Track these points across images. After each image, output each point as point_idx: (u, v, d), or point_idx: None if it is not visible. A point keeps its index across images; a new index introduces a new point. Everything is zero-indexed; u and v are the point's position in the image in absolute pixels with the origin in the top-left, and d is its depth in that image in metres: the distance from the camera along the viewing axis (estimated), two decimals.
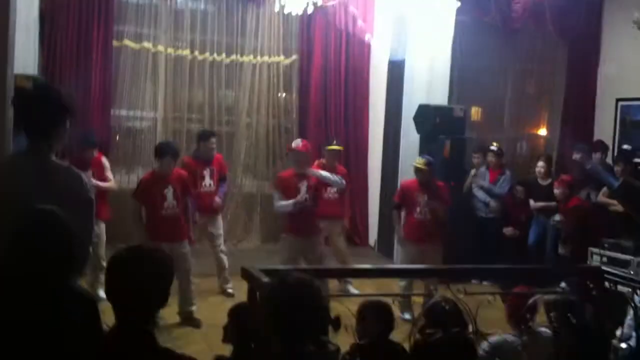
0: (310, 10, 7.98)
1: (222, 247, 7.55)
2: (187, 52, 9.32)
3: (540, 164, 8.72)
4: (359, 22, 9.76)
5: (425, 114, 8.54)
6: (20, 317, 2.37)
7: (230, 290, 7.27)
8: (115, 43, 8.93)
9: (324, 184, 7.33)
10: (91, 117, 8.55)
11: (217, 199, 7.48)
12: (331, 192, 7.59)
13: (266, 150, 9.76)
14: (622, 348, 4.41)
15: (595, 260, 7.15)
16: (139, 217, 6.45)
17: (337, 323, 3.15)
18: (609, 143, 9.68)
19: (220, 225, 7.61)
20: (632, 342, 4.55)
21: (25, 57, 7.26)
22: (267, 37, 9.61)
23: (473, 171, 8.76)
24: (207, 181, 7.37)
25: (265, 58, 9.63)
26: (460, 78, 9.71)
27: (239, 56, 9.55)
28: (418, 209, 6.90)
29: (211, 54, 9.42)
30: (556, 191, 7.83)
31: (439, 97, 8.81)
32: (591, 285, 4.48)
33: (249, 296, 3.50)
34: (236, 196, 9.55)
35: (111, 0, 8.76)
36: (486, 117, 10.77)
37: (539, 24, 9.95)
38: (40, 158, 3.13)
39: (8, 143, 4.85)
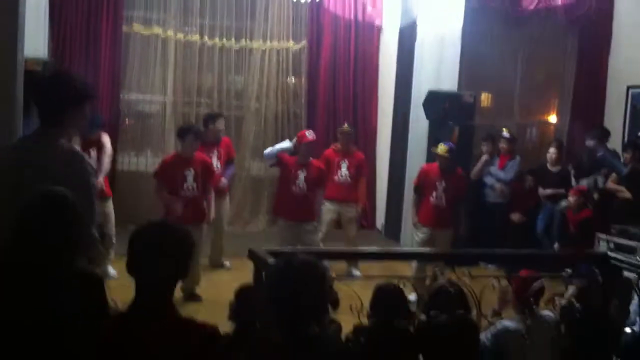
0: None
1: (225, 228, 7.65)
2: (196, 37, 9.34)
3: (552, 149, 8.69)
4: (368, 8, 9.76)
5: (434, 100, 8.52)
6: (28, 297, 2.40)
7: (227, 264, 7.49)
8: (124, 28, 8.98)
9: (333, 167, 7.49)
10: (100, 100, 8.61)
11: (224, 180, 7.53)
12: (342, 176, 7.63)
13: (274, 134, 9.78)
14: (626, 333, 4.43)
15: (602, 247, 7.15)
16: (162, 194, 6.54)
17: (336, 303, 3.18)
18: (619, 130, 9.62)
19: (225, 207, 7.69)
20: (637, 328, 4.58)
21: (35, 42, 7.31)
22: (277, 22, 9.62)
23: (484, 157, 8.73)
24: (215, 163, 7.41)
25: (275, 43, 9.64)
26: (470, 64, 9.67)
27: (248, 41, 9.57)
28: (435, 194, 6.96)
29: (220, 39, 9.44)
30: (570, 199, 7.83)
31: (448, 83, 8.79)
32: (597, 271, 4.50)
33: (255, 277, 3.55)
34: (244, 180, 9.59)
35: None
36: (495, 104, 10.74)
37: (549, 10, 9.88)
38: (45, 141, 3.14)
39: (18, 126, 4.90)
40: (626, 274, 4.64)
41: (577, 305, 4.01)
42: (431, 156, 7.95)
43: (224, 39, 9.47)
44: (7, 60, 4.72)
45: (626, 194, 7.79)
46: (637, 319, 4.68)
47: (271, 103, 9.74)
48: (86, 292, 2.53)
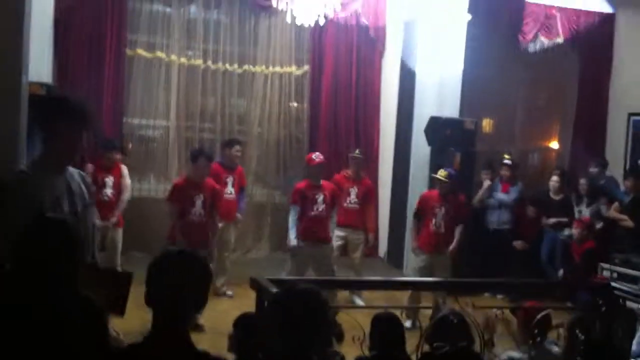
0: (322, 21, 8.01)
1: (230, 255, 7.68)
2: (199, 61, 9.37)
3: (555, 178, 8.69)
4: (371, 34, 9.81)
5: (436, 126, 8.54)
6: (26, 324, 2.38)
7: (229, 292, 7.47)
8: (128, 52, 9.01)
9: (342, 193, 7.56)
10: (103, 125, 8.62)
11: (239, 215, 7.78)
12: (351, 202, 7.67)
13: (277, 160, 9.80)
14: None
15: (604, 276, 7.11)
16: (175, 219, 6.56)
17: (340, 335, 3.15)
18: (620, 157, 9.64)
19: (232, 234, 7.78)
20: None
21: (39, 66, 7.32)
22: (279, 47, 9.66)
23: (486, 182, 8.73)
24: (229, 189, 7.56)
25: (277, 68, 9.68)
26: (472, 90, 9.70)
27: (251, 66, 9.60)
28: (434, 220, 6.99)
29: (223, 63, 9.47)
30: (574, 231, 7.84)
31: (450, 109, 8.82)
32: (600, 302, 4.46)
33: (257, 305, 3.52)
34: (246, 205, 9.56)
35: (124, 9, 8.86)
36: (497, 130, 10.77)
37: (550, 37, 9.94)
38: (59, 164, 3.21)
39: (22, 149, 4.89)
40: (629, 304, 4.61)
41: (581, 336, 3.96)
42: (433, 182, 7.96)
43: (227, 64, 9.50)
44: (12, 84, 4.73)
45: (629, 222, 7.76)
46: None
47: (273, 128, 9.75)
48: (87, 320, 2.50)
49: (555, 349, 4.17)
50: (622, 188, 8.39)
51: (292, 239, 6.91)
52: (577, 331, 4.14)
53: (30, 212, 2.84)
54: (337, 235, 7.50)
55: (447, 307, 3.90)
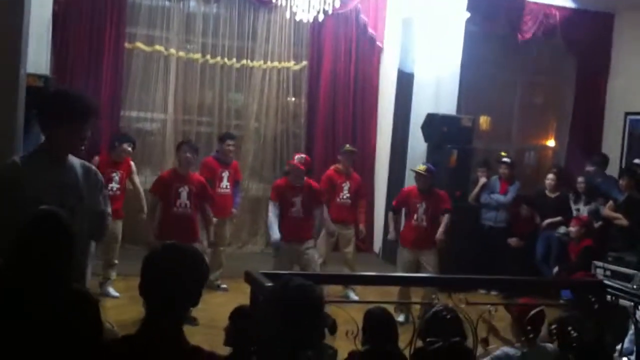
0: (321, 17, 8.02)
1: (225, 250, 7.73)
2: (198, 55, 9.38)
3: (551, 176, 8.73)
4: (369, 31, 9.83)
5: (433, 123, 8.57)
6: (21, 317, 2.38)
7: (224, 286, 7.51)
8: (127, 45, 9.01)
9: (336, 188, 7.56)
10: (101, 117, 8.61)
11: (234, 211, 7.81)
12: (343, 197, 7.68)
13: (273, 154, 9.81)
14: None
15: (598, 274, 7.15)
16: (153, 213, 6.59)
17: (333, 328, 3.18)
18: (617, 157, 9.68)
19: (228, 228, 7.82)
20: (633, 357, 4.56)
21: (38, 58, 7.34)
22: (278, 42, 9.67)
23: (482, 180, 8.75)
24: (225, 183, 7.58)
25: (275, 63, 9.69)
26: (469, 88, 9.73)
27: (249, 61, 9.61)
28: (416, 216, 7.03)
29: (222, 58, 9.48)
30: (572, 229, 7.88)
31: (447, 106, 8.84)
32: (593, 299, 4.49)
33: (251, 299, 3.53)
34: (242, 200, 9.56)
35: (123, 2, 8.86)
36: (494, 128, 10.80)
37: (548, 36, 9.97)
38: (55, 157, 3.22)
39: (19, 141, 4.91)
40: (622, 302, 4.63)
41: (574, 334, 3.98)
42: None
43: (226, 58, 9.50)
44: (10, 75, 4.76)
45: (623, 221, 7.80)
46: (634, 348, 4.67)
47: (271, 123, 9.76)
48: (81, 312, 2.51)
49: (549, 346, 4.20)
50: None
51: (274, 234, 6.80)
52: (569, 329, 4.17)
53: (20, 204, 2.87)
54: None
55: (441, 303, 3.92)
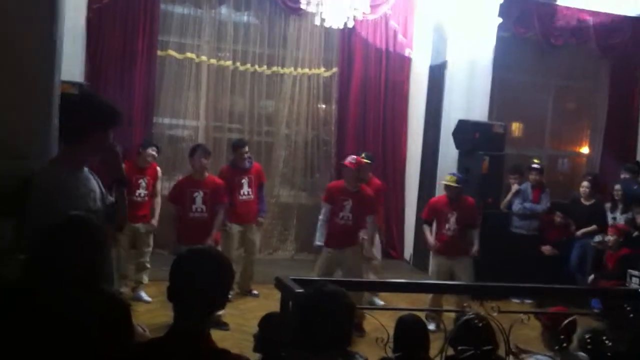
0: (350, 24, 8.01)
1: (256, 256, 7.68)
2: (229, 62, 9.44)
3: (585, 183, 8.62)
4: (399, 37, 9.81)
5: (464, 130, 8.51)
6: (51, 321, 2.40)
7: (255, 292, 7.48)
8: (159, 53, 9.11)
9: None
10: (134, 124, 8.75)
11: (260, 220, 7.68)
12: None
13: (304, 161, 9.82)
14: None
15: (634, 283, 7.03)
16: (175, 219, 6.63)
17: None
18: None
19: (257, 235, 7.75)
20: None
21: (72, 66, 7.45)
22: (308, 49, 9.69)
23: (515, 186, 8.67)
24: (245, 189, 7.46)
25: (306, 70, 9.71)
26: (501, 94, 9.66)
27: (279, 67, 9.65)
28: (447, 226, 7.00)
29: (252, 64, 9.53)
30: (610, 238, 7.76)
31: (479, 112, 8.78)
32: (628, 308, 4.41)
33: (282, 305, 3.53)
34: (272, 206, 9.60)
35: (156, 11, 8.97)
36: (526, 134, 10.70)
37: (581, 41, 9.85)
38: (79, 165, 3.20)
39: (54, 147, 4.97)
40: None
41: (608, 343, 3.91)
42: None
43: (256, 65, 9.56)
44: (45, 83, 4.81)
45: None
46: None
47: (301, 129, 9.78)
48: (111, 315, 2.53)
49: (582, 355, 4.13)
50: None
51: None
52: (604, 338, 4.10)
53: (55, 208, 2.88)
54: None
55: (472, 311, 3.87)
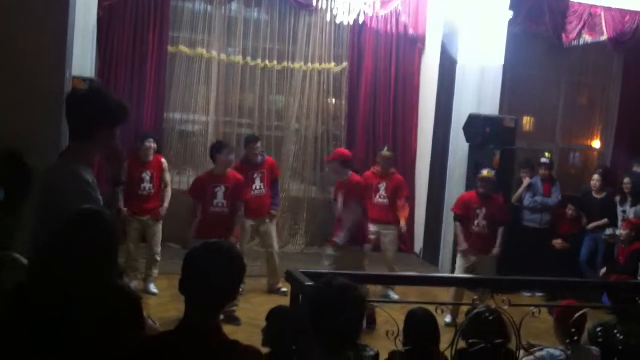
0: (361, 19, 8.00)
1: (276, 248, 7.64)
2: (239, 58, 9.46)
3: (596, 177, 8.61)
4: (410, 31, 9.78)
5: (475, 124, 8.48)
6: (63, 315, 2.42)
7: (284, 290, 7.26)
8: (170, 49, 9.14)
9: (372, 189, 7.48)
10: (145, 119, 8.80)
11: (273, 212, 7.66)
12: (381, 197, 7.65)
13: (314, 155, 9.83)
14: None
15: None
16: (193, 214, 6.65)
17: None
18: None
19: (274, 228, 7.73)
20: None
21: (83, 61, 7.50)
22: (318, 44, 9.69)
23: (526, 181, 8.65)
24: (258, 184, 7.50)
25: (316, 65, 9.71)
26: (512, 88, 9.62)
27: (290, 63, 9.65)
28: (476, 222, 7.01)
29: (263, 60, 9.55)
30: (622, 232, 7.72)
31: (490, 107, 8.74)
32: None
33: (292, 299, 3.54)
34: (283, 200, 9.60)
35: (167, 7, 9.01)
36: (537, 128, 10.65)
37: (594, 36, 9.79)
38: (61, 161, 3.15)
39: (64, 142, 5.00)
40: None
41: (620, 337, 3.90)
42: (470, 181, 7.91)
43: (266, 60, 9.57)
44: (56, 78, 4.84)
45: None
46: None
47: (311, 124, 9.79)
48: (123, 308, 2.55)
49: (594, 349, 4.12)
50: None
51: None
52: (615, 332, 4.09)
53: (67, 203, 2.89)
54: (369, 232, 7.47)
55: (483, 305, 3.87)
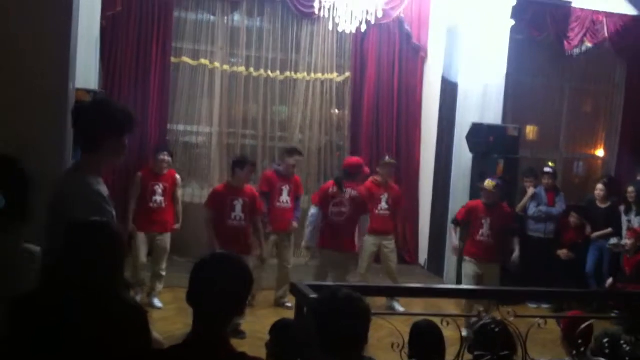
0: (363, 28, 8.01)
1: (289, 265, 7.64)
2: (242, 68, 9.47)
3: (600, 186, 8.57)
4: (413, 40, 9.79)
5: (478, 133, 8.47)
6: (70, 328, 2.41)
7: (289, 304, 7.28)
8: (173, 59, 9.15)
9: (373, 200, 7.49)
10: (149, 131, 8.79)
11: (295, 224, 7.65)
12: (382, 209, 7.63)
13: (317, 166, 9.82)
14: None
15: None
16: (210, 225, 6.61)
17: None
18: None
19: (290, 243, 7.70)
20: None
21: (87, 73, 7.50)
22: (321, 54, 9.70)
23: (530, 190, 8.63)
24: (285, 197, 7.50)
25: (319, 75, 9.72)
26: (515, 97, 9.61)
27: (293, 73, 9.66)
28: (481, 231, 7.00)
29: (266, 70, 9.56)
30: (627, 241, 7.69)
31: (493, 115, 8.73)
32: None
33: (296, 311, 3.52)
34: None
35: (169, 18, 9.01)
36: (541, 137, 10.63)
37: (596, 42, 9.78)
38: (72, 172, 3.19)
39: (68, 154, 5.00)
40: None
41: (626, 348, 3.87)
42: (475, 190, 7.90)
43: (269, 71, 9.58)
44: (59, 91, 4.84)
45: None
46: None
47: (314, 134, 9.79)
48: (129, 322, 2.54)
49: None
50: None
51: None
52: (622, 342, 4.06)
53: (79, 214, 2.87)
54: (368, 243, 7.48)
55: (489, 316, 3.84)
